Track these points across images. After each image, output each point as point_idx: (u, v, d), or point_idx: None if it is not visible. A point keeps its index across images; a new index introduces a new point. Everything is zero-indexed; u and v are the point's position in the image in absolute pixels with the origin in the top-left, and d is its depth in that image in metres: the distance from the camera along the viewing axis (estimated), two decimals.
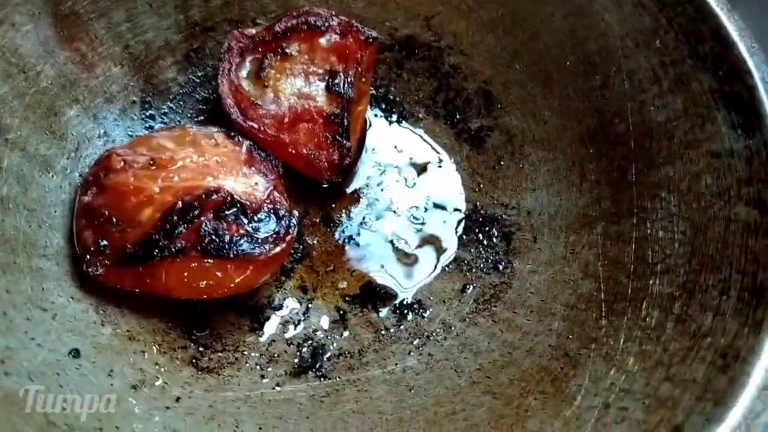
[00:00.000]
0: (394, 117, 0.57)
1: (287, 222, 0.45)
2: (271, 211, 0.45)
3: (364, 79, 0.53)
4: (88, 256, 0.43)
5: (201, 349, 0.45)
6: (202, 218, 0.43)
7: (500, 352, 0.45)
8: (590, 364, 0.42)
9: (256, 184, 0.47)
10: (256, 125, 0.49)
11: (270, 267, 0.45)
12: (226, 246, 0.42)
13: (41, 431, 0.34)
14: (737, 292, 0.40)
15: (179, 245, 0.42)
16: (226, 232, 0.43)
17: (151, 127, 0.53)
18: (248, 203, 0.45)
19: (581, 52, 0.52)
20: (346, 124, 0.50)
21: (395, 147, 0.56)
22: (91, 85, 0.50)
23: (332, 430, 0.41)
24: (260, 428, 0.41)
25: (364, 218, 0.53)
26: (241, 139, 0.48)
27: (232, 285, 0.43)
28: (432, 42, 0.58)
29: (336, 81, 0.51)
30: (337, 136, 0.50)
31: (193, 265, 0.42)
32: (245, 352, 0.45)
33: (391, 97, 0.58)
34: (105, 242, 0.43)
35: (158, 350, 0.43)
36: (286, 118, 0.49)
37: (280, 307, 0.48)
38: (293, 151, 0.50)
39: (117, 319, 0.44)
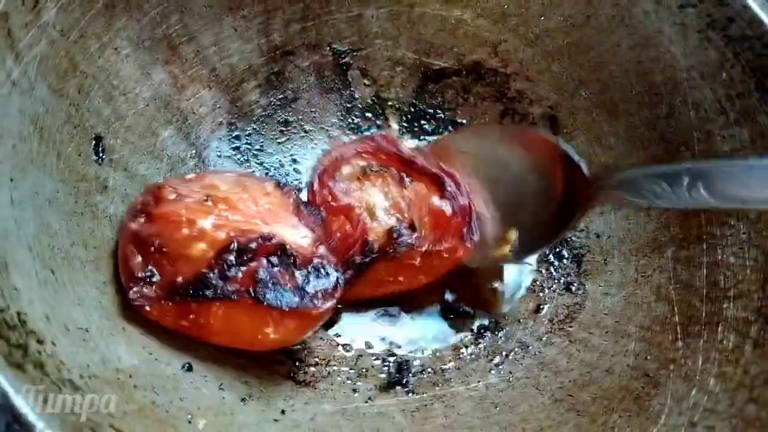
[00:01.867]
0: None
1: (335, 279, 0.44)
2: (320, 265, 0.44)
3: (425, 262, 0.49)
4: (133, 286, 0.42)
5: (296, 363, 0.47)
6: (257, 263, 0.42)
7: (579, 371, 0.47)
8: (671, 384, 0.44)
9: (305, 237, 0.46)
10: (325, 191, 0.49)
11: (317, 322, 0.44)
12: (282, 296, 0.42)
13: None
14: None
15: (233, 287, 0.42)
16: (281, 281, 0.42)
17: (238, 148, 0.55)
18: (299, 254, 0.44)
19: (647, 81, 0.54)
20: (367, 262, 0.47)
21: None
22: (182, 107, 0.52)
23: None
24: None
25: None
26: (289, 190, 0.48)
27: (278, 337, 0.42)
28: (498, 68, 0.60)
29: (403, 235, 0.47)
30: (355, 257, 0.47)
31: (244, 311, 0.41)
32: (336, 367, 0.47)
33: (459, 120, 0.60)
34: (153, 273, 0.42)
35: (258, 365, 0.45)
36: (343, 206, 0.48)
37: None
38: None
39: None
